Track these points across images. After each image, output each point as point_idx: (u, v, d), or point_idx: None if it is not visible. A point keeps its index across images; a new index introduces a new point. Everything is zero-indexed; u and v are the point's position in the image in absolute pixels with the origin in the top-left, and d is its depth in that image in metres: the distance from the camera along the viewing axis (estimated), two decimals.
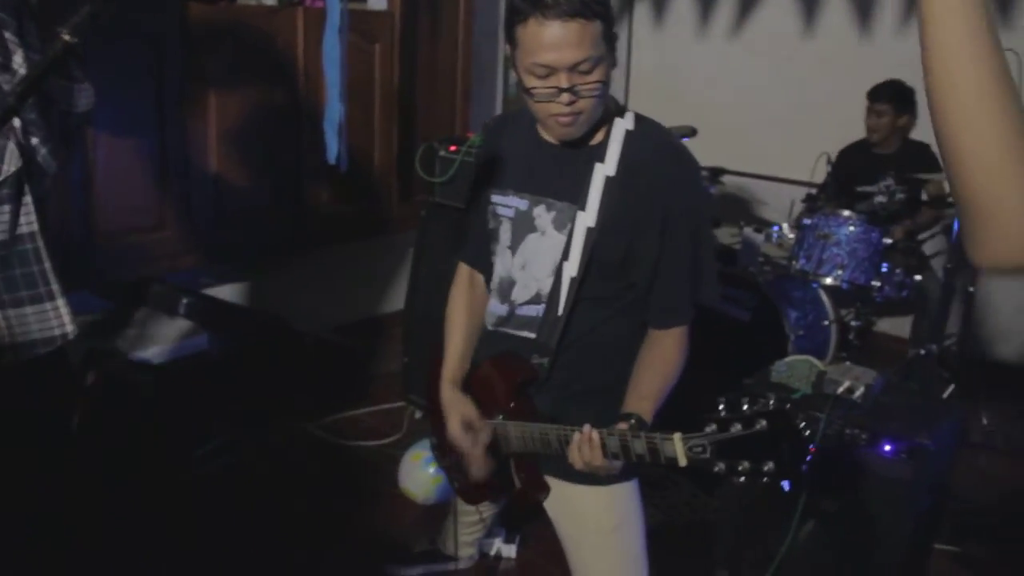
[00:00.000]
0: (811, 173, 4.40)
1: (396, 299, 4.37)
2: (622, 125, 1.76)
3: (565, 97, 1.59)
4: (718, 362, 3.37)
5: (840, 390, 2.57)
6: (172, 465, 3.17)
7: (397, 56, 3.94)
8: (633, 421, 1.59)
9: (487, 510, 2.35)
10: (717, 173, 4.23)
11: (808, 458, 1.32)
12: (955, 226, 3.69)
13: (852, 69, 4.61)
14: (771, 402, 1.33)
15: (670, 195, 1.71)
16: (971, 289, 3.81)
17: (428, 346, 3.40)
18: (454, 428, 1.87)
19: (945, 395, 3.59)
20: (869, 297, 3.82)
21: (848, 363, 2.76)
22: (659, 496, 3.21)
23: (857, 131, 4.41)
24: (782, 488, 1.36)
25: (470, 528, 2.52)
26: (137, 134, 3.22)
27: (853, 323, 3.98)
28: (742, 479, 1.39)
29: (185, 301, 3.56)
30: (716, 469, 1.41)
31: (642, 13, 5.61)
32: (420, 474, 3.11)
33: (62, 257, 3.04)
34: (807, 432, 1.31)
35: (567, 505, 1.87)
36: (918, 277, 3.91)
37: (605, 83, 1.61)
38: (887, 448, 2.47)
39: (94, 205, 3.11)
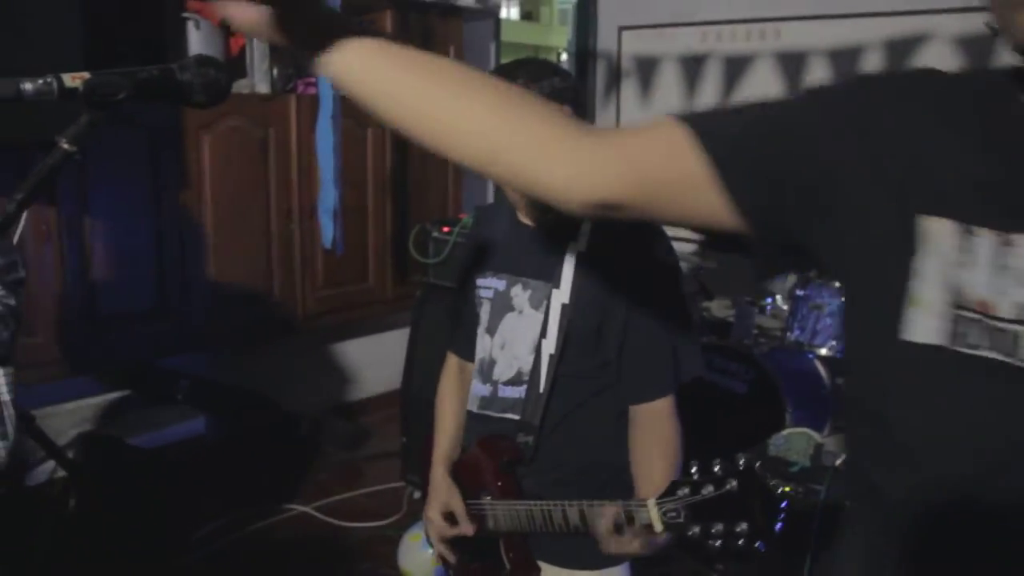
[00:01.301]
0: None
1: (393, 379, 4.37)
2: None
3: None
4: (717, 435, 3.37)
5: (838, 462, 2.58)
6: (168, 550, 3.14)
7: (389, 140, 4.02)
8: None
9: None
10: (705, 246, 4.27)
11: (782, 516, 1.29)
12: None
13: None
14: (741, 461, 1.31)
15: (638, 268, 1.74)
16: None
17: (425, 426, 3.43)
18: (432, 512, 1.89)
19: None
20: None
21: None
22: (659, 571, 3.18)
23: None
24: (758, 550, 1.33)
25: None
26: (134, 221, 3.27)
27: None
28: (718, 542, 1.37)
29: (182, 384, 3.57)
30: (690, 533, 1.39)
31: (628, 90, 5.73)
32: (419, 555, 3.08)
33: (61, 342, 3.08)
34: (779, 491, 1.29)
35: None
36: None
37: None
38: None
39: (93, 290, 3.15)
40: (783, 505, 1.30)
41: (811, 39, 4.82)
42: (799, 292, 3.83)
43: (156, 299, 3.35)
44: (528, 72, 1.64)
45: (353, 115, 3.82)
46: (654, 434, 1.75)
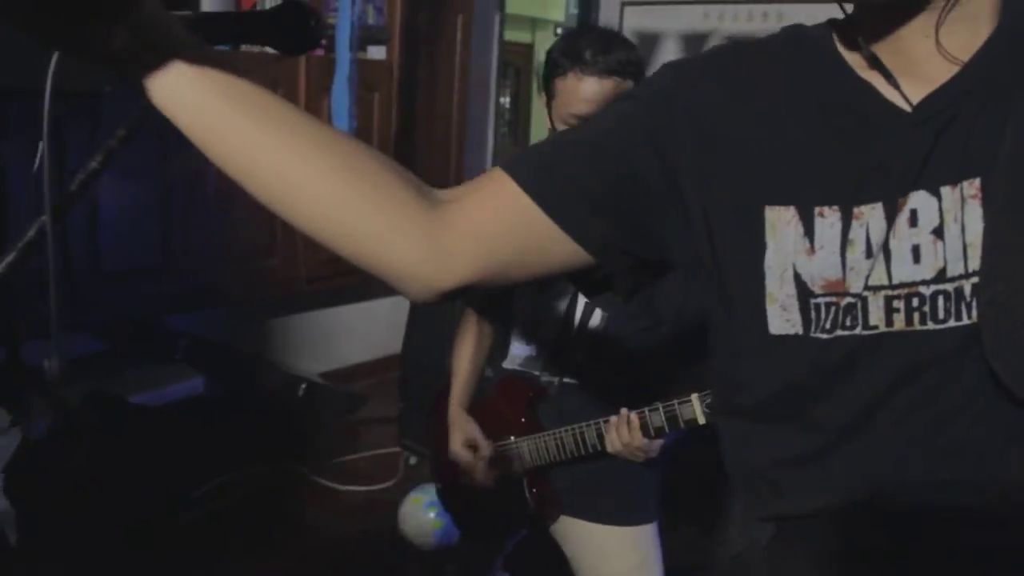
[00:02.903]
0: None
1: (390, 344, 4.38)
2: None
3: None
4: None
5: None
6: (166, 509, 3.15)
7: (396, 105, 4.01)
8: None
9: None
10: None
11: None
12: None
13: None
14: None
15: None
16: None
17: (425, 391, 3.45)
18: (455, 446, 1.92)
19: None
20: None
21: None
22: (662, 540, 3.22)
23: None
24: None
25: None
26: (140, 176, 3.24)
27: None
28: None
29: (182, 344, 3.56)
30: None
31: None
32: (420, 518, 3.11)
33: (66, 297, 3.06)
34: None
35: (588, 544, 1.90)
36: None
37: None
38: None
39: (98, 246, 3.12)
40: None
41: (813, 20, 4.83)
42: None
43: (159, 258, 3.33)
44: (592, 43, 1.65)
45: (361, 79, 3.80)
46: None
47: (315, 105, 3.62)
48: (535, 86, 7.79)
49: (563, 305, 1.84)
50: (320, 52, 3.63)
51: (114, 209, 3.14)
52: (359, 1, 3.04)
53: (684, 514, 1.95)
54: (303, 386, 3.74)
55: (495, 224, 0.87)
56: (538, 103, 6.40)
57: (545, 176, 0.87)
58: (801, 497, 0.89)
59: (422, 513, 3.11)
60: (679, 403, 1.56)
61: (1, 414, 1.94)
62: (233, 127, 0.76)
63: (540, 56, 7.78)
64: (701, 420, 1.51)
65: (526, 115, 7.77)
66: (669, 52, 5.50)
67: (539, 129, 6.20)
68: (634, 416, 1.64)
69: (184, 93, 0.73)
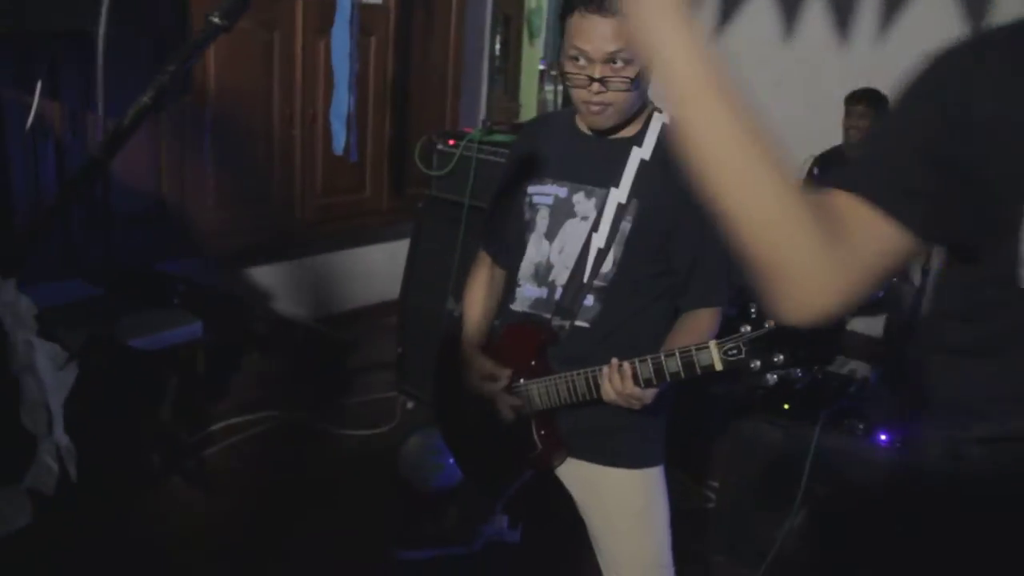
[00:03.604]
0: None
1: (386, 290, 4.39)
2: (660, 119, 1.84)
3: (595, 86, 1.71)
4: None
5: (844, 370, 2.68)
6: (166, 456, 3.17)
7: (392, 49, 3.98)
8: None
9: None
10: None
11: (835, 347, 1.41)
12: None
13: (831, 74, 4.73)
14: None
15: None
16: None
17: (423, 337, 3.47)
18: (475, 380, 1.94)
19: None
20: None
21: (843, 357, 2.86)
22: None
23: (835, 137, 4.52)
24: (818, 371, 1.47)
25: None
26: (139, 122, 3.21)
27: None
28: (774, 374, 1.46)
29: (179, 289, 3.55)
30: (752, 366, 1.48)
31: None
32: (421, 461, 3.15)
33: (62, 241, 3.05)
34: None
35: (597, 486, 1.93)
36: (894, 278, 4.02)
37: (636, 80, 1.70)
38: (883, 438, 2.58)
39: (95, 192, 3.10)
40: (833, 334, 1.40)
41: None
42: None
43: (156, 202, 3.32)
44: None
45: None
46: (696, 325, 1.80)
47: (312, 47, 3.59)
48: (526, 34, 7.70)
49: (576, 249, 1.86)
50: None
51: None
52: None
53: (674, 460, 1.98)
54: (300, 331, 3.76)
55: (871, 264, 0.97)
56: (528, 51, 6.33)
57: (915, 204, 0.95)
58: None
59: (422, 456, 3.15)
60: (696, 349, 1.58)
61: (57, 350, 1.95)
62: (719, 117, 0.91)
63: (531, 3, 7.68)
64: (719, 367, 1.53)
65: (516, 63, 7.69)
66: None
67: (529, 77, 6.15)
68: (626, 365, 1.67)
69: (684, 64, 0.90)
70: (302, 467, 3.36)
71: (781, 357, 1.45)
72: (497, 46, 7.19)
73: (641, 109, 1.82)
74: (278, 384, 3.85)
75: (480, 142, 3.40)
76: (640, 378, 1.65)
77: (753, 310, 1.47)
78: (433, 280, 3.53)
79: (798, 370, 1.40)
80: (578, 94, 1.75)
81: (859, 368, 2.71)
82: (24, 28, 2.52)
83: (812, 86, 4.87)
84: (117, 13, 0.91)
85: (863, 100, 4.31)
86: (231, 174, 3.53)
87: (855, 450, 2.58)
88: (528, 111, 5.87)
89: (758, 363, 1.47)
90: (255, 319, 3.71)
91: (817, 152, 4.57)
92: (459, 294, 2.31)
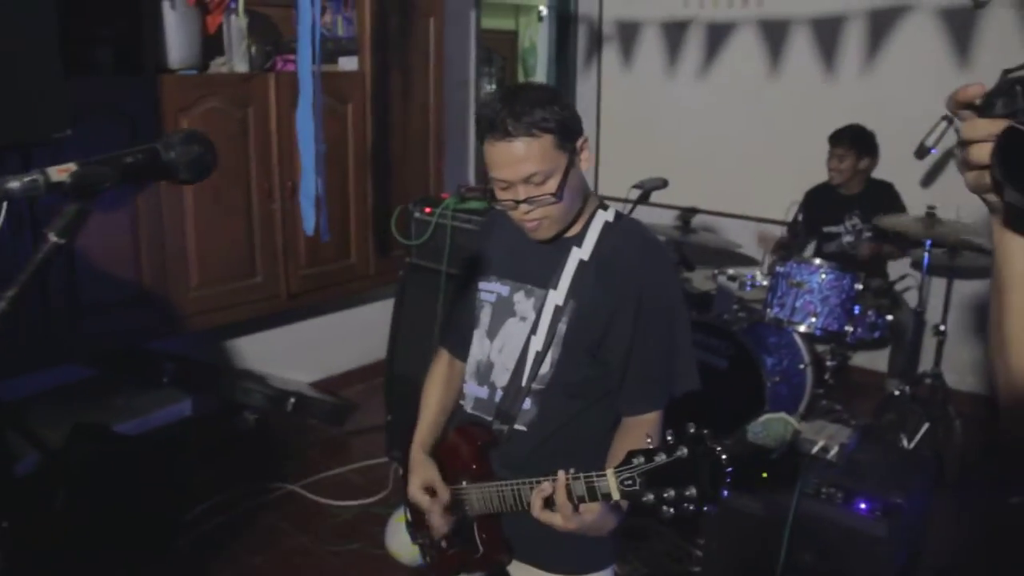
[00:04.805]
0: (785, 213, 4.52)
1: (375, 350, 4.38)
2: (603, 217, 1.83)
3: (523, 208, 1.71)
4: (698, 411, 3.42)
5: (815, 449, 2.63)
6: (159, 537, 3.18)
7: (369, 115, 4.00)
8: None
9: None
10: (690, 213, 4.28)
11: (728, 481, 1.37)
12: (925, 261, 3.76)
13: (817, 110, 4.71)
14: (691, 429, 1.37)
15: (644, 284, 1.76)
16: (942, 327, 3.88)
17: (410, 406, 3.45)
18: (414, 489, 1.93)
19: (919, 434, 3.65)
20: (843, 340, 3.88)
21: (822, 422, 2.82)
22: (644, 548, 3.26)
23: (823, 171, 4.48)
24: (708, 513, 1.41)
25: None
26: (114, 208, 3.25)
27: (829, 363, 4.04)
28: (670, 509, 1.42)
29: (169, 368, 3.57)
30: (645, 499, 1.45)
31: (610, 55, 5.69)
32: (406, 536, 3.12)
33: (43, 332, 3.07)
34: (724, 456, 1.35)
35: None
36: (890, 317, 3.97)
37: (559, 191, 1.69)
38: (862, 506, 2.53)
39: (76, 278, 3.14)
40: (729, 470, 1.36)
41: (793, 7, 4.79)
42: (779, 269, 3.86)
43: (137, 286, 3.34)
44: (500, 108, 1.65)
45: (333, 92, 3.79)
46: (636, 440, 1.78)
47: (287, 120, 3.59)
48: (520, 74, 7.74)
49: (516, 351, 1.85)
50: (292, 67, 3.61)
51: (87, 238, 3.15)
52: (318, 20, 3.01)
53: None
54: (291, 400, 3.76)
55: None
56: None
57: None
58: None
59: (407, 531, 3.12)
60: (597, 476, 1.55)
61: None
62: None
63: (524, 43, 7.73)
64: (615, 496, 1.50)
65: None
66: (651, 40, 5.45)
67: None
68: (547, 484, 1.62)
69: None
70: (298, 541, 3.36)
71: (672, 493, 1.42)
72: (492, 86, 7.24)
73: (584, 208, 1.81)
74: (270, 455, 3.86)
75: (455, 210, 3.40)
76: (555, 500, 1.61)
77: (649, 439, 1.44)
78: (417, 345, 3.53)
79: (691, 506, 1.36)
80: (512, 215, 1.75)
81: (838, 433, 2.67)
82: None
83: (799, 121, 4.85)
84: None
85: (843, 141, 4.27)
86: (213, 251, 3.55)
87: (834, 518, 2.54)
88: None
89: (651, 496, 1.44)
90: (246, 390, 3.72)
91: (806, 187, 4.55)
92: None
